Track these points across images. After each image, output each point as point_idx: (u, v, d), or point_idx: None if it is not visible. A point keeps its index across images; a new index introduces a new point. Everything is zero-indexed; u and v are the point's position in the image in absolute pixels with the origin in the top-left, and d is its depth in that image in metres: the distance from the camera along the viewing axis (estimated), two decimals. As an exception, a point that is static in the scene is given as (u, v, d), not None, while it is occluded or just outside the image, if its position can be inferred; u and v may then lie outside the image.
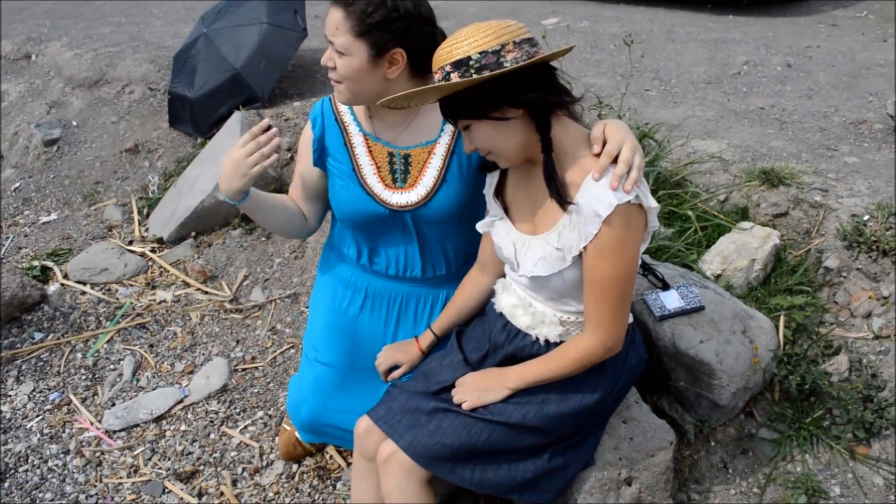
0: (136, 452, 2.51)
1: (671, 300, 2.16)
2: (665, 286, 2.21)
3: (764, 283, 2.56)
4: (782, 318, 2.35)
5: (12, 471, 2.45)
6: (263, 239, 3.50)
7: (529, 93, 1.49)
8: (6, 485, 2.39)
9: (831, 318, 2.43)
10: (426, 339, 2.02)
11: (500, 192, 1.77)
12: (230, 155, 1.75)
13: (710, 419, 2.21)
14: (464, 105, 1.53)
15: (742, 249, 2.55)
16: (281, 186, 3.65)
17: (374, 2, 1.66)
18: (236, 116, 3.87)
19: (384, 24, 1.67)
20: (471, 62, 1.45)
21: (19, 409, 2.72)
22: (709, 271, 2.54)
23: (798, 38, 5.24)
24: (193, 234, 3.61)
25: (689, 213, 2.76)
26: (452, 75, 1.47)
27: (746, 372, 2.12)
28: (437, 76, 1.51)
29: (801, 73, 4.42)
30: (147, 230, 3.77)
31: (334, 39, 1.69)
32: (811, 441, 2.18)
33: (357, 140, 1.90)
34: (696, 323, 2.13)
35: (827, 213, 2.67)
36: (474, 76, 1.45)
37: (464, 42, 1.46)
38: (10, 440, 2.58)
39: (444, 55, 1.48)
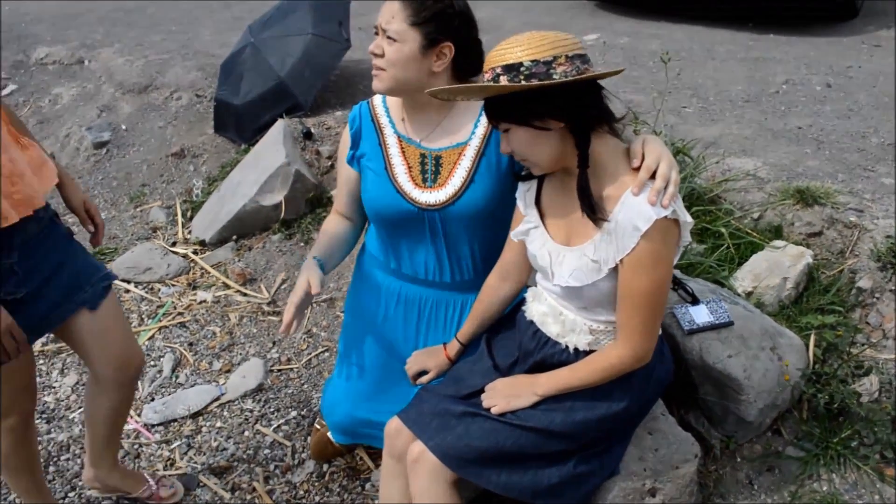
0: (172, 446, 2.59)
1: (700, 314, 2.17)
2: (695, 300, 2.22)
3: (795, 302, 2.55)
4: (812, 337, 2.35)
5: (55, 458, 2.54)
6: (302, 244, 3.58)
7: (573, 108, 1.52)
8: (49, 472, 2.48)
9: (863, 338, 2.42)
10: (453, 347, 2.04)
11: (536, 201, 1.79)
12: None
13: (737, 435, 2.21)
14: (508, 109, 1.55)
15: (774, 267, 2.56)
16: (321, 194, 3.73)
17: None
18: (279, 124, 3.96)
19: (439, 16, 1.73)
20: (521, 68, 1.48)
21: (63, 401, 2.83)
22: (740, 288, 2.55)
23: (839, 58, 5.19)
24: (235, 237, 3.70)
25: (723, 230, 2.77)
26: (502, 78, 1.50)
27: (774, 389, 2.12)
28: (486, 76, 1.54)
29: (841, 93, 4.39)
30: (190, 232, 3.87)
31: (388, 27, 1.74)
32: (838, 461, 2.17)
33: (391, 141, 1.95)
34: (725, 338, 2.14)
35: (861, 234, 2.66)
36: (522, 83, 1.47)
37: (517, 47, 1.49)
38: (53, 430, 2.67)
39: (497, 57, 1.51)
